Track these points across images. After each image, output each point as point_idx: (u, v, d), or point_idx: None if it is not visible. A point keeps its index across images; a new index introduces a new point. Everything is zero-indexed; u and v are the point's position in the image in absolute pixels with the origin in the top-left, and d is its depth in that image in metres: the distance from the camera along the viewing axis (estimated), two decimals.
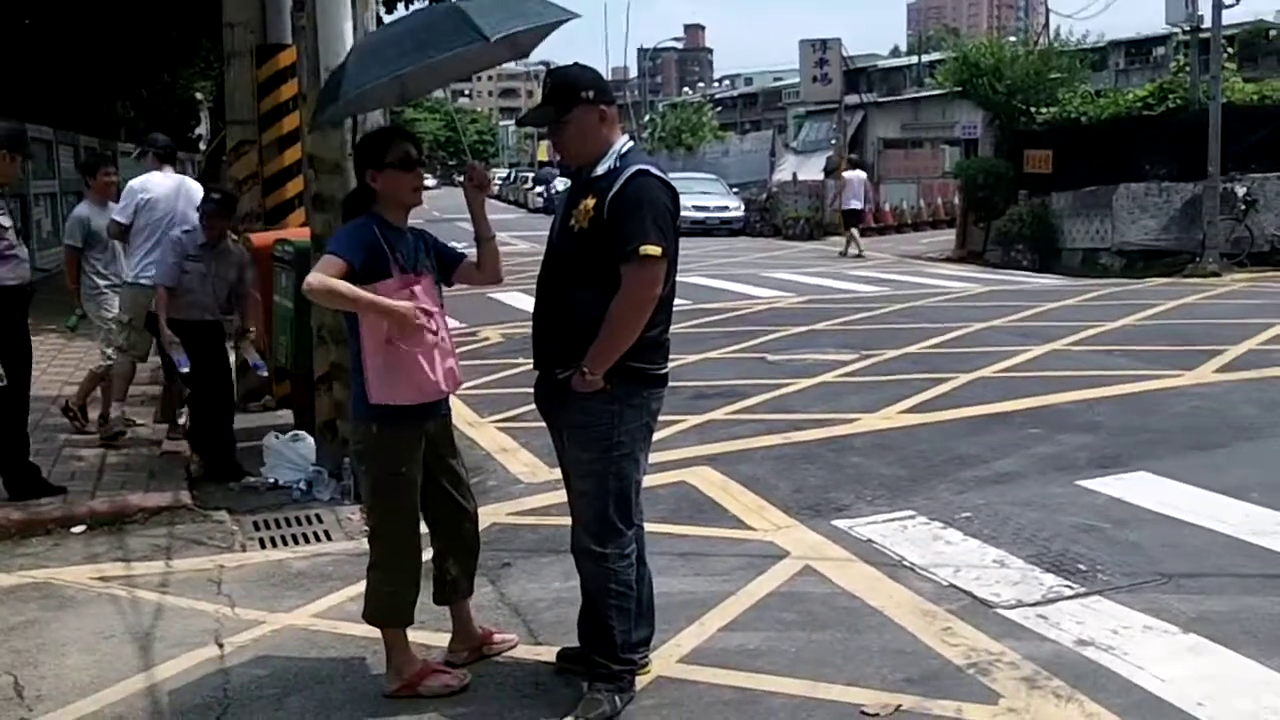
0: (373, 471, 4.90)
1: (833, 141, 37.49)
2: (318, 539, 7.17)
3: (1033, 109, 26.73)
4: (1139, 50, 63.52)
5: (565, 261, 4.62)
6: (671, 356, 4.82)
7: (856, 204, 28.67)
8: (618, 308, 4.40)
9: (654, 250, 4.37)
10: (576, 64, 4.77)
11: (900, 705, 4.56)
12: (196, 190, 9.40)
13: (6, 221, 7.39)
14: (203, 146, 37.22)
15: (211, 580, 6.39)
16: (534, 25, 5.04)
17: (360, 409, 4.84)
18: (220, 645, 5.44)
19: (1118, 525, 6.55)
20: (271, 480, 8.23)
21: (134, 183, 9.31)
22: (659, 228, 4.40)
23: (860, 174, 29.68)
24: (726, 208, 36.61)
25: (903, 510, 7.02)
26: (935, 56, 56.94)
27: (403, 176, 4.82)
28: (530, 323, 4.82)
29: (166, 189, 9.25)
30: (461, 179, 5.02)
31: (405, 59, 4.93)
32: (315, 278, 4.61)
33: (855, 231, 28.12)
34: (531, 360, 4.81)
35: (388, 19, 17.90)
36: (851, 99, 38.38)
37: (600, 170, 4.53)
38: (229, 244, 8.56)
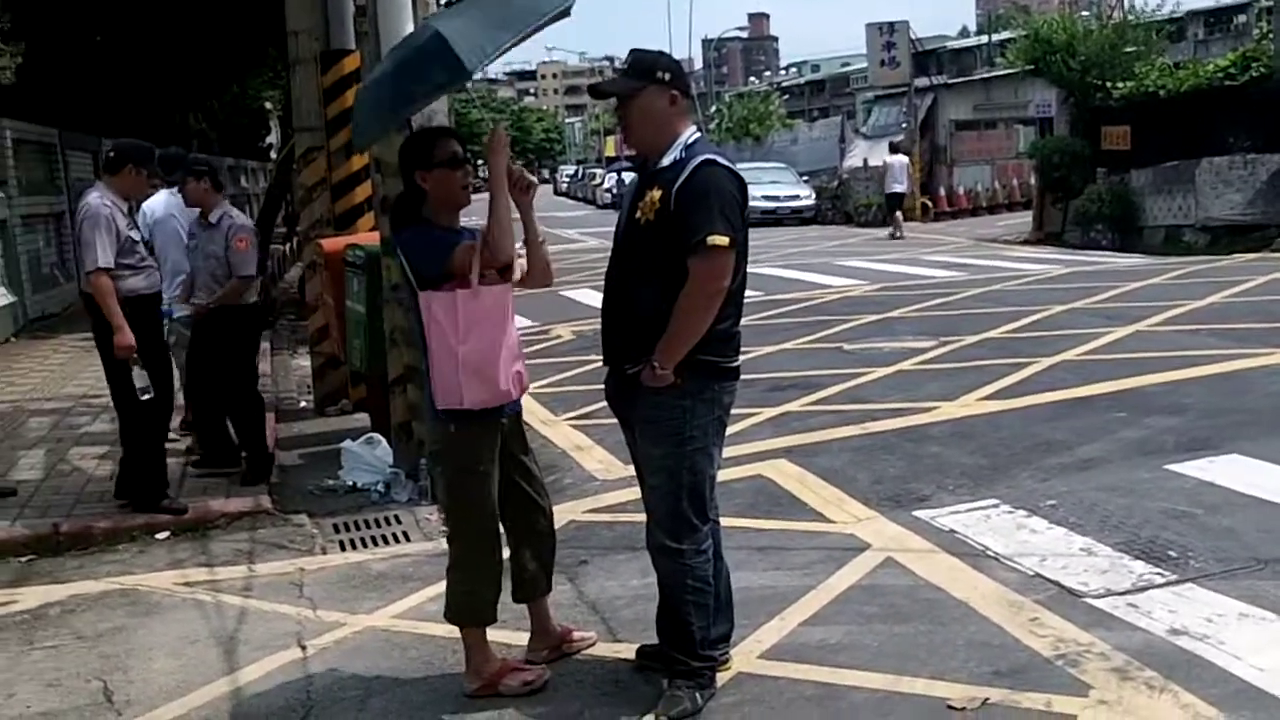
0: (449, 471, 4.87)
1: (903, 125, 37.08)
2: (396, 540, 7.19)
3: (1108, 84, 26.23)
4: (1218, 19, 62.24)
5: (632, 255, 4.57)
6: (745, 348, 4.75)
7: (899, 188, 29.06)
8: (686, 300, 4.34)
9: (721, 240, 4.30)
10: (661, 50, 4.70)
11: (987, 698, 4.47)
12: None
13: (136, 235, 7.48)
14: (273, 155, 37.66)
15: (293, 583, 6.43)
16: (522, 33, 4.95)
17: (434, 410, 4.82)
18: (303, 647, 5.47)
19: (1209, 510, 6.38)
20: (350, 483, 8.27)
21: (146, 205, 9.13)
22: (726, 218, 4.34)
23: (902, 158, 29.92)
24: (797, 196, 36.40)
25: (985, 499, 6.90)
26: (1005, 35, 56.17)
27: (452, 175, 4.77)
28: (600, 319, 4.78)
29: (172, 204, 9.02)
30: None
31: (398, 105, 4.98)
32: (488, 248, 4.65)
33: (899, 215, 28.57)
34: (602, 357, 4.78)
35: None
36: (921, 82, 37.91)
37: (666, 161, 4.47)
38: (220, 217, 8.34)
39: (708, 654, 4.68)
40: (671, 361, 4.40)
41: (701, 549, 4.63)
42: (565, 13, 5.08)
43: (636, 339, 4.49)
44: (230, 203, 8.86)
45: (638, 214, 4.50)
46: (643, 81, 4.50)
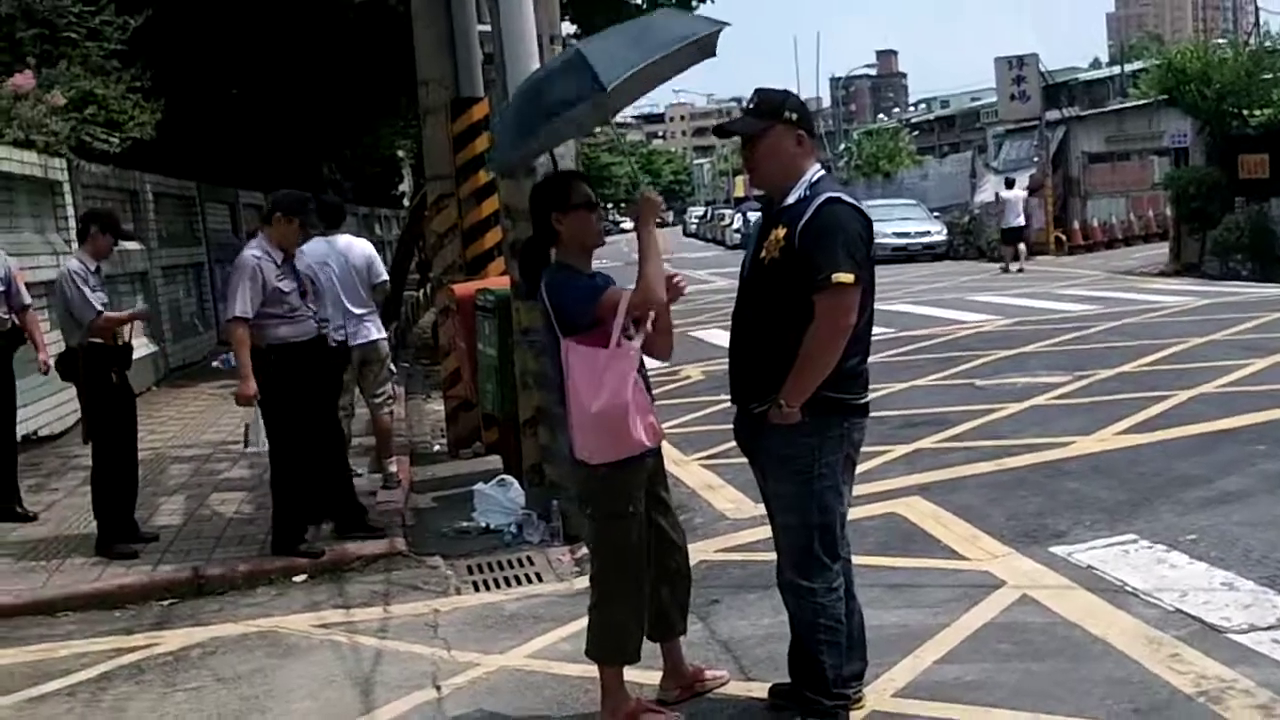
0: (600, 513, 4.86)
1: (1035, 159, 36.57)
2: (529, 580, 7.26)
3: (1245, 112, 25.63)
4: None
5: (758, 293, 4.58)
6: (876, 384, 4.74)
7: (1019, 221, 29.67)
8: (812, 338, 4.35)
9: (847, 278, 4.30)
10: (787, 90, 4.74)
11: None
12: (352, 244, 9.43)
13: (287, 285, 7.63)
14: (406, 202, 38.42)
15: (428, 624, 6.53)
16: (659, 57, 4.98)
17: (575, 456, 4.84)
18: (438, 688, 5.54)
19: None
20: (483, 525, 8.38)
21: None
22: (851, 255, 4.34)
23: (1020, 193, 30.52)
24: (928, 232, 36.11)
25: (1123, 534, 6.76)
26: (1138, 65, 55.17)
27: (588, 217, 4.83)
28: (728, 358, 4.80)
29: (322, 252, 9.16)
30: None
31: (537, 123, 5.00)
32: (641, 293, 4.66)
33: (1021, 247, 29.38)
34: (730, 395, 4.80)
35: None
36: (1052, 114, 37.37)
37: (791, 199, 4.49)
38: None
39: (840, 692, 4.65)
40: (798, 399, 4.40)
41: (833, 587, 4.61)
42: (709, 50, 5.14)
43: (763, 377, 4.50)
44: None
45: (763, 253, 4.52)
46: (769, 121, 4.53)
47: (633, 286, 4.71)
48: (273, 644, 6.39)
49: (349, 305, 9.16)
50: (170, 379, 16.57)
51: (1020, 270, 28.15)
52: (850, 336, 4.40)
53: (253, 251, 7.61)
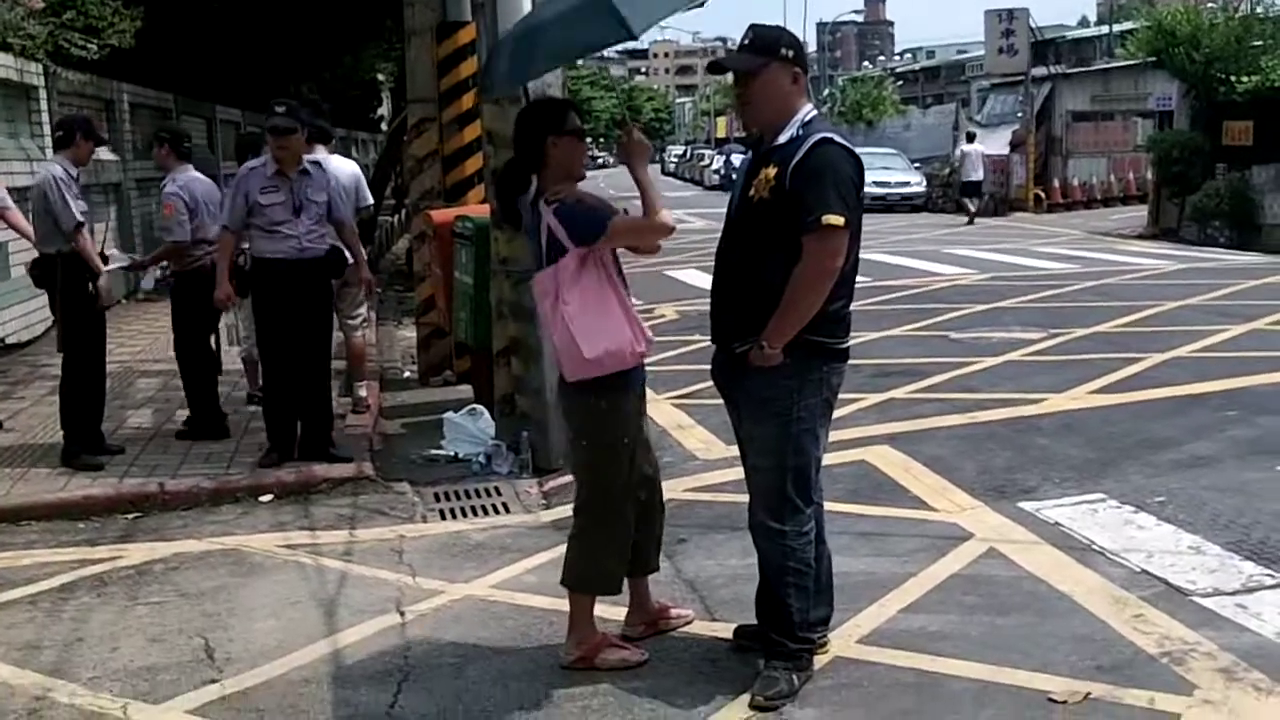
0: (595, 443, 4.78)
1: (1019, 115, 36.51)
2: (496, 511, 7.24)
3: (1233, 78, 25.59)
4: None
5: (745, 233, 4.53)
6: (852, 334, 4.69)
7: (978, 175, 30.98)
8: (798, 280, 4.30)
9: (837, 220, 4.26)
10: (782, 27, 4.67)
11: (1089, 693, 4.40)
12: (344, 167, 9.47)
13: (268, 200, 7.62)
14: (384, 127, 38.08)
15: (393, 549, 6.50)
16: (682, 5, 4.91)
17: (573, 386, 4.73)
18: (401, 613, 5.53)
19: None
20: (452, 453, 8.35)
21: None
22: (842, 197, 4.29)
23: (979, 148, 31.73)
24: (908, 183, 36.07)
25: (1092, 493, 6.79)
26: (1127, 26, 54.96)
27: (579, 145, 4.77)
28: (708, 298, 4.75)
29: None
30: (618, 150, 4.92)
31: (552, 59, 4.92)
32: (646, 222, 4.67)
33: (976, 201, 30.66)
34: (708, 336, 4.76)
35: None
36: (1039, 71, 37.22)
37: (783, 139, 4.42)
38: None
39: (806, 636, 4.65)
40: (781, 341, 4.37)
41: (804, 531, 4.59)
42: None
43: (747, 317, 4.46)
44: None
45: (752, 192, 4.46)
46: (766, 58, 4.45)
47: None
48: (237, 562, 6.36)
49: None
50: (141, 292, 16.38)
51: (971, 223, 29.17)
52: (836, 280, 4.36)
53: (247, 164, 7.87)
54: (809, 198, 4.27)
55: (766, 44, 4.48)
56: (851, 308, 4.62)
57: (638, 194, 4.76)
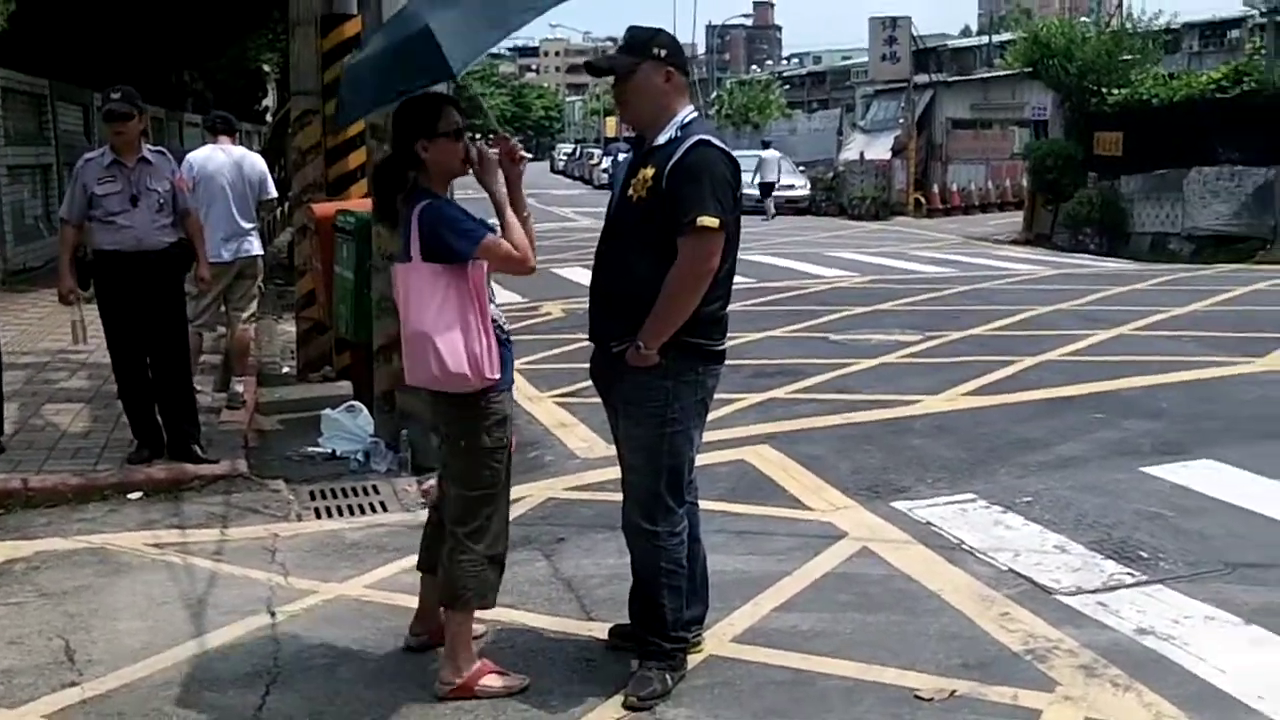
0: (479, 445, 4.56)
1: (901, 121, 37.09)
2: (373, 510, 7.18)
3: (1104, 90, 26.30)
4: (1213, 32, 62.28)
5: (623, 232, 4.55)
6: (733, 334, 4.73)
7: (774, 178, 33.69)
8: (673, 280, 4.33)
9: (711, 222, 4.29)
10: (659, 28, 4.66)
11: (955, 690, 4.49)
12: (246, 158, 9.43)
13: (103, 190, 7.42)
14: (269, 118, 37.48)
15: (266, 549, 6.41)
16: (521, 24, 4.81)
17: (463, 385, 4.50)
18: (272, 614, 5.45)
19: (1181, 513, 6.41)
20: (329, 450, 8.26)
21: (190, 156, 9.31)
22: (718, 199, 4.33)
23: (775, 153, 34.88)
24: (793, 186, 36.46)
25: (963, 493, 6.92)
26: (1006, 37, 56.16)
27: (455, 146, 4.58)
28: (589, 296, 4.76)
29: (220, 162, 9.22)
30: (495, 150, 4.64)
31: (382, 97, 4.75)
32: (515, 250, 4.49)
33: (771, 201, 33.25)
34: (588, 333, 4.77)
35: None
36: (920, 78, 37.86)
37: (661, 139, 4.45)
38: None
39: (679, 635, 4.68)
40: (657, 342, 4.38)
41: (676, 531, 4.61)
42: None
43: (623, 317, 4.47)
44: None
45: (630, 191, 4.49)
46: (638, 58, 4.48)
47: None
48: (103, 561, 6.21)
49: (238, 218, 9.12)
50: (10, 283, 15.94)
51: (771, 218, 32.21)
52: (711, 281, 4.39)
53: (85, 154, 7.63)
54: (684, 199, 4.30)
55: (639, 45, 4.50)
56: (731, 309, 4.66)
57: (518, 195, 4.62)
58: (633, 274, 4.46)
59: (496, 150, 4.62)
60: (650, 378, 4.45)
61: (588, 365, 4.89)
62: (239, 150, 9.50)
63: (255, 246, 9.36)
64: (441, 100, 4.71)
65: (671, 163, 4.35)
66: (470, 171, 4.67)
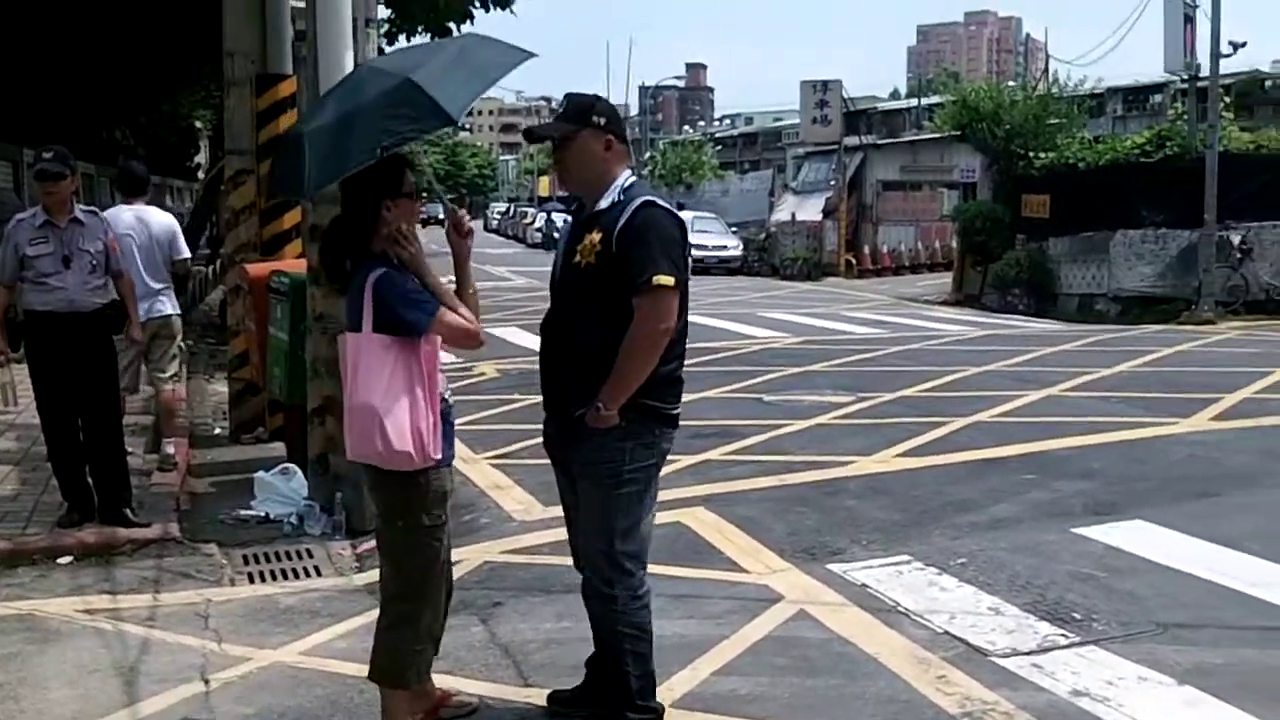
0: (414, 525, 4.52)
1: (832, 183, 37.59)
2: (308, 574, 7.10)
3: (1031, 154, 26.84)
4: (1137, 97, 63.74)
5: (573, 299, 4.54)
6: None
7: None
8: (632, 341, 4.34)
9: (667, 280, 4.32)
10: (597, 95, 4.73)
11: None
12: (157, 218, 9.28)
13: (35, 252, 7.35)
14: (201, 175, 37.29)
15: (199, 614, 6.32)
16: (495, 79, 4.88)
17: (406, 464, 4.44)
18: (206, 681, 5.37)
19: (1114, 574, 6.50)
20: (262, 514, 8.16)
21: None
22: (670, 258, 4.35)
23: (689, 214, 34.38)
24: (725, 247, 36.82)
25: (898, 555, 6.96)
26: (935, 100, 57.16)
27: (412, 206, 4.59)
28: (528, 357, 4.76)
29: (128, 222, 8.96)
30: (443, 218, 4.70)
31: (363, 154, 4.57)
32: (467, 322, 4.50)
33: None
34: (528, 395, 4.76)
35: (388, 49, 17.93)
36: (851, 140, 38.44)
37: (604, 204, 4.48)
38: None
39: (645, 705, 4.61)
40: (617, 402, 4.38)
41: (638, 594, 4.59)
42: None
43: (581, 382, 4.45)
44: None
45: (577, 258, 4.49)
46: (577, 126, 4.51)
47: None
48: (31, 628, 6.09)
49: (147, 278, 8.93)
50: None
51: None
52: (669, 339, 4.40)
53: (17, 215, 7.56)
54: (637, 260, 4.32)
55: (578, 112, 4.54)
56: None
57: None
58: (587, 339, 4.45)
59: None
60: (607, 440, 4.45)
61: (523, 426, 4.92)
62: (150, 209, 9.36)
63: (167, 306, 9.18)
64: (402, 161, 4.65)
65: (619, 225, 4.37)
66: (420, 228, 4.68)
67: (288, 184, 5.36)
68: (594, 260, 4.43)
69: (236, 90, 11.00)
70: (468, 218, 4.76)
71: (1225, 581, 6.33)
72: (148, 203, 9.58)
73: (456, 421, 5.00)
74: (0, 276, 7.48)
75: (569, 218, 4.81)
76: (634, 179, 4.59)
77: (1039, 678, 5.17)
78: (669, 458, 4.82)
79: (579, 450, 4.56)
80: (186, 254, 9.52)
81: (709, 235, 36.66)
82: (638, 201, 4.42)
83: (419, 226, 4.77)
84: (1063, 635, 5.65)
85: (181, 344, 9.81)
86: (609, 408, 4.39)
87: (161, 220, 9.30)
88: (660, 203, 4.47)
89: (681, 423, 4.76)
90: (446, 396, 4.61)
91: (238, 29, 10.86)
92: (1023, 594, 6.22)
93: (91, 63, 20.44)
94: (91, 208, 7.93)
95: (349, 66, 7.63)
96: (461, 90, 4.63)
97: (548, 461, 4.89)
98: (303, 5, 8.91)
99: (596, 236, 4.43)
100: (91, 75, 20.96)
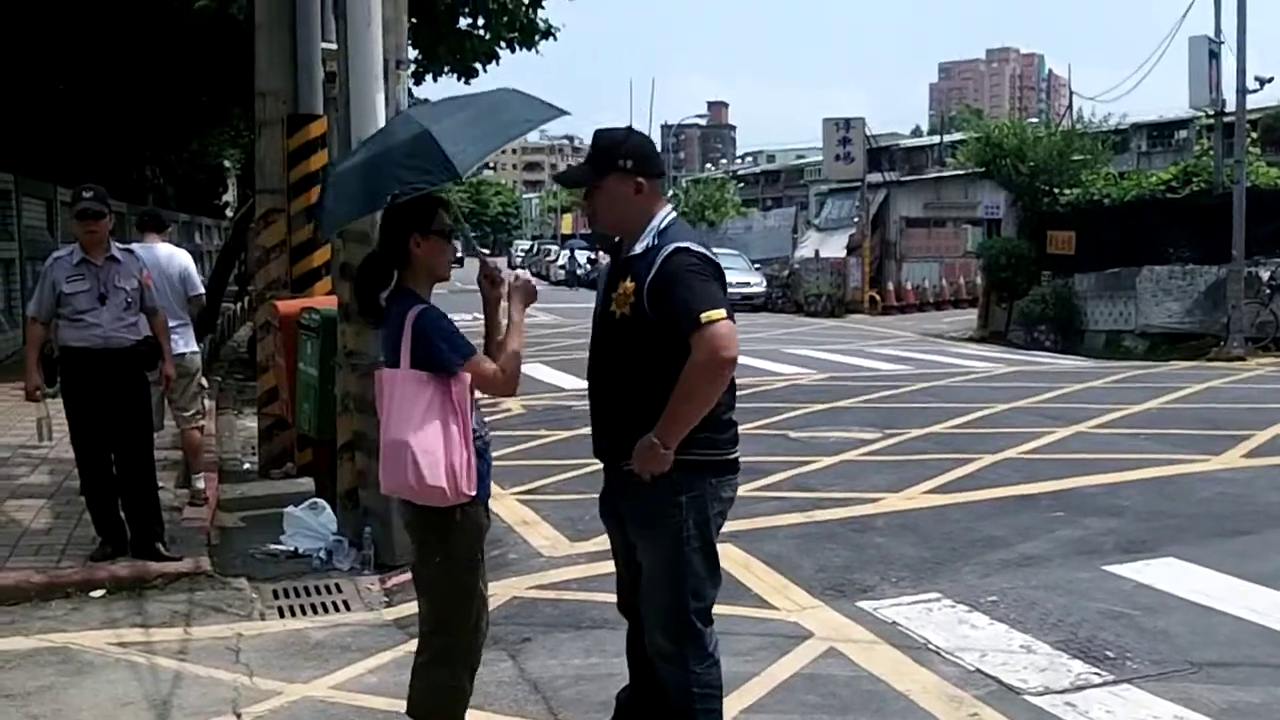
0: (453, 559, 4.52)
1: (855, 219, 37.65)
2: (337, 609, 7.13)
3: (1056, 190, 26.83)
4: (1162, 133, 63.74)
5: (615, 348, 4.40)
6: None
7: None
8: (692, 373, 4.11)
9: (716, 314, 4.12)
10: (627, 128, 4.56)
11: None
12: (172, 256, 9.37)
13: (71, 289, 7.47)
14: (229, 213, 37.58)
15: (230, 648, 6.35)
16: (516, 135, 4.92)
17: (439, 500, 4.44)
18: (238, 715, 5.40)
19: (1146, 612, 6.47)
20: (292, 548, 8.20)
21: None
22: (710, 293, 4.17)
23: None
24: (749, 284, 36.80)
25: (927, 592, 6.95)
26: (957, 136, 57.19)
27: (445, 246, 4.60)
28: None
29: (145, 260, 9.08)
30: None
31: (375, 201, 4.73)
32: (497, 371, 4.55)
33: None
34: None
35: (417, 91, 18.06)
36: (874, 177, 38.52)
37: (638, 249, 4.33)
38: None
39: None
40: (672, 440, 4.16)
41: (708, 652, 4.39)
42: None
43: (628, 435, 4.28)
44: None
45: (613, 307, 4.35)
46: (603, 172, 4.37)
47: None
48: (65, 660, 6.13)
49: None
50: None
51: None
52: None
53: (55, 253, 7.69)
54: (679, 307, 4.15)
55: (603, 156, 4.38)
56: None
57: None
58: (628, 391, 4.31)
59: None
60: (662, 493, 4.26)
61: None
62: (165, 248, 9.42)
63: (181, 344, 9.14)
64: (436, 201, 4.66)
65: (650, 278, 4.22)
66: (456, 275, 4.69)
67: (319, 219, 5.47)
68: (629, 311, 4.28)
69: (268, 130, 11.11)
70: (498, 268, 4.76)
71: (1258, 619, 6.30)
72: (166, 240, 9.67)
73: None
74: (38, 313, 7.60)
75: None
76: (671, 218, 4.41)
77: (1072, 716, 5.15)
78: None
79: (634, 506, 4.39)
80: (201, 291, 9.60)
81: (733, 272, 36.41)
82: (669, 249, 4.24)
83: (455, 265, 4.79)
84: (1096, 674, 5.62)
85: (203, 380, 9.87)
86: (667, 443, 4.16)
87: (177, 258, 9.37)
88: (692, 247, 4.26)
89: None
90: (484, 433, 4.60)
91: (270, 71, 10.97)
92: (1054, 632, 6.20)
93: (123, 103, 20.70)
94: (128, 246, 8.02)
95: (380, 107, 7.73)
96: (473, 147, 4.65)
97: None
98: (334, 47, 9.01)
99: (630, 285, 4.28)
100: (123, 115, 21.22)
